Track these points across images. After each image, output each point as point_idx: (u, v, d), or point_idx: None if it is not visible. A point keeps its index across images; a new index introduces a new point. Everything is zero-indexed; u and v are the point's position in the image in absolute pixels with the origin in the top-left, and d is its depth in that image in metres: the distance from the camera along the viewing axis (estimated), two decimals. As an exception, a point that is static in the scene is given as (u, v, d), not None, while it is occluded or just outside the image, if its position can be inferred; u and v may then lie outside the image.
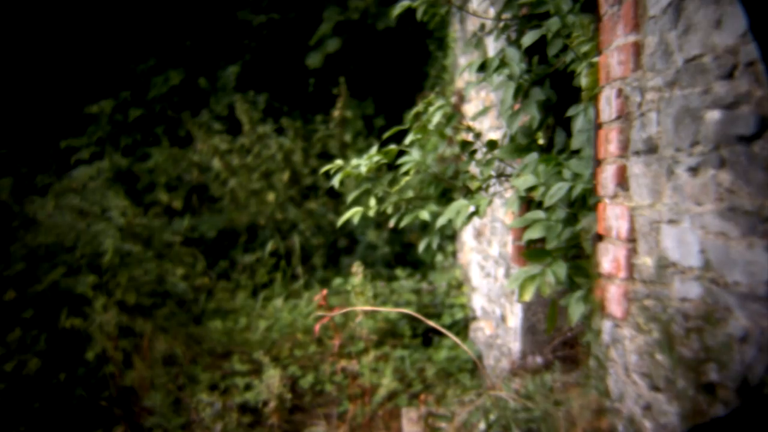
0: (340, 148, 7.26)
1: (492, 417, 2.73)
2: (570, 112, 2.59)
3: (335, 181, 3.16)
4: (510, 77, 2.80)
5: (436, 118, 3.01)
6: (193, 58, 8.23)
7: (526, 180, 2.66)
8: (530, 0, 2.77)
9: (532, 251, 2.51)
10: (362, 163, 3.11)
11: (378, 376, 4.33)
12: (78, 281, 4.25)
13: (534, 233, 2.57)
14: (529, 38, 2.74)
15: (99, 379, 4.04)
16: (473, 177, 3.02)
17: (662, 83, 1.72)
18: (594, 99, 2.28)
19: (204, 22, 8.34)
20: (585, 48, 2.36)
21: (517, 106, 2.85)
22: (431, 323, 3.31)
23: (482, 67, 2.89)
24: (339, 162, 3.20)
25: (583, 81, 2.37)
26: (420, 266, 6.55)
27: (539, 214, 2.58)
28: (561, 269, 2.35)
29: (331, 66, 7.98)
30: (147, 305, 4.62)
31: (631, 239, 1.91)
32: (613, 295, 2.01)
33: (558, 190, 2.49)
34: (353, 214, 3.06)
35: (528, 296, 2.42)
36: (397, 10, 3.13)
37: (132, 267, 4.67)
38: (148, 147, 7.69)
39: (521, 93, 2.80)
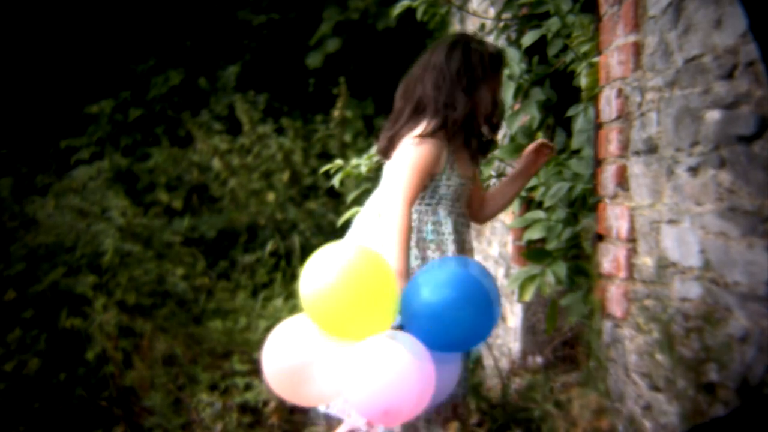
0: (340, 148, 7.26)
1: (492, 417, 2.73)
2: (570, 112, 2.59)
3: (335, 181, 3.16)
4: (510, 77, 2.80)
5: (436, 118, 3.01)
6: (193, 58, 8.23)
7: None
8: (530, 0, 2.77)
9: (532, 251, 2.51)
10: (362, 163, 3.11)
11: (378, 376, 4.32)
12: (78, 281, 4.24)
13: (534, 233, 2.57)
14: (529, 38, 2.74)
15: (99, 379, 4.03)
16: (473, 177, 3.01)
17: (662, 83, 1.72)
18: (594, 99, 2.28)
19: (204, 22, 8.34)
20: (585, 48, 2.36)
21: (517, 106, 2.85)
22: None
23: (482, 67, 2.88)
24: (339, 162, 3.20)
25: (583, 81, 2.37)
26: (420, 266, 6.54)
27: (539, 214, 2.59)
28: (561, 269, 2.35)
29: (331, 66, 7.97)
30: (147, 305, 4.61)
31: (631, 239, 1.91)
32: (613, 295, 2.01)
33: (558, 190, 2.49)
34: (353, 214, 3.06)
35: (528, 296, 2.42)
36: (397, 10, 3.13)
37: (132, 267, 4.66)
38: (148, 147, 7.68)
39: (521, 93, 2.80)
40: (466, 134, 2.29)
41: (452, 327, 1.95)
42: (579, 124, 2.52)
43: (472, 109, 2.28)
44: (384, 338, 1.94)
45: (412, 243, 2.27)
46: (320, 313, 1.98)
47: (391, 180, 2.25)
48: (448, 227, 2.29)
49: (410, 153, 2.23)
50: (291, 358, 2.02)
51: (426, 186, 2.28)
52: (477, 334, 2.03)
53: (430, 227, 2.30)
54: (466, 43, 2.35)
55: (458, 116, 2.25)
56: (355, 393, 1.90)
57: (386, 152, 2.35)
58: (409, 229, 2.18)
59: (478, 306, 1.96)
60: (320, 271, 1.94)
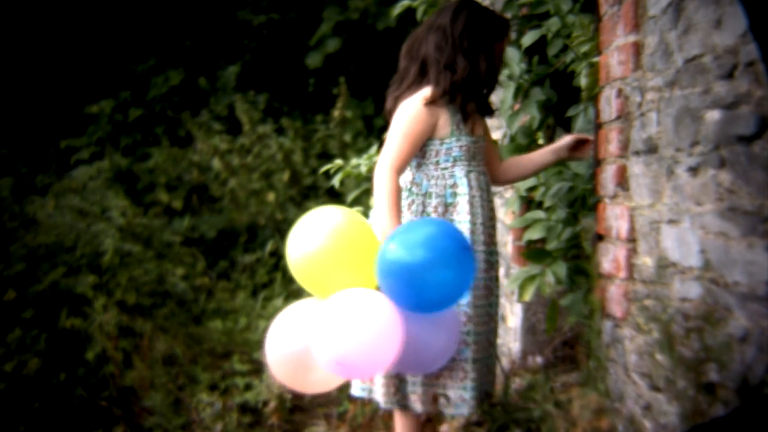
0: (340, 148, 7.26)
1: (492, 417, 2.73)
2: (570, 112, 2.59)
3: (335, 181, 3.16)
4: (510, 77, 2.80)
5: (436, 118, 3.01)
6: (193, 58, 8.23)
7: (526, 180, 2.66)
8: (530, 0, 2.77)
9: (532, 251, 2.52)
10: (362, 163, 3.11)
11: (378, 376, 4.32)
12: (78, 281, 4.25)
13: (534, 233, 2.57)
14: (529, 38, 2.74)
15: (99, 379, 4.04)
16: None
17: (662, 83, 1.72)
18: (594, 99, 2.28)
19: (204, 22, 8.34)
20: (585, 48, 2.37)
21: (517, 106, 2.85)
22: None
23: (482, 67, 2.88)
24: (339, 162, 3.21)
25: (583, 81, 2.37)
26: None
27: (539, 214, 2.59)
28: (561, 269, 2.35)
29: (331, 66, 7.98)
30: (147, 305, 4.62)
31: (631, 239, 1.91)
32: (613, 295, 2.01)
33: (558, 190, 2.49)
34: (353, 214, 3.06)
35: (528, 296, 2.42)
36: (397, 9, 3.13)
37: (132, 267, 4.67)
38: (148, 147, 7.69)
39: (521, 93, 2.80)
40: (464, 96, 2.31)
41: (421, 287, 1.99)
42: (579, 124, 2.52)
43: (470, 73, 2.29)
44: (345, 292, 2.00)
45: (430, 209, 2.30)
46: (306, 275, 2.11)
47: (384, 147, 2.29)
48: (463, 188, 2.31)
49: (400, 120, 2.28)
50: (293, 343, 2.06)
51: (437, 151, 2.31)
52: (449, 295, 2.04)
53: (449, 191, 2.32)
54: (472, 7, 2.36)
55: (457, 79, 2.28)
56: (315, 344, 1.97)
57: (392, 113, 2.37)
58: (398, 194, 2.22)
59: (447, 266, 1.98)
60: (304, 234, 2.08)
